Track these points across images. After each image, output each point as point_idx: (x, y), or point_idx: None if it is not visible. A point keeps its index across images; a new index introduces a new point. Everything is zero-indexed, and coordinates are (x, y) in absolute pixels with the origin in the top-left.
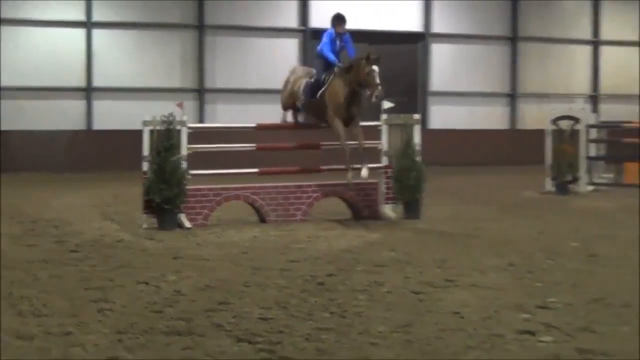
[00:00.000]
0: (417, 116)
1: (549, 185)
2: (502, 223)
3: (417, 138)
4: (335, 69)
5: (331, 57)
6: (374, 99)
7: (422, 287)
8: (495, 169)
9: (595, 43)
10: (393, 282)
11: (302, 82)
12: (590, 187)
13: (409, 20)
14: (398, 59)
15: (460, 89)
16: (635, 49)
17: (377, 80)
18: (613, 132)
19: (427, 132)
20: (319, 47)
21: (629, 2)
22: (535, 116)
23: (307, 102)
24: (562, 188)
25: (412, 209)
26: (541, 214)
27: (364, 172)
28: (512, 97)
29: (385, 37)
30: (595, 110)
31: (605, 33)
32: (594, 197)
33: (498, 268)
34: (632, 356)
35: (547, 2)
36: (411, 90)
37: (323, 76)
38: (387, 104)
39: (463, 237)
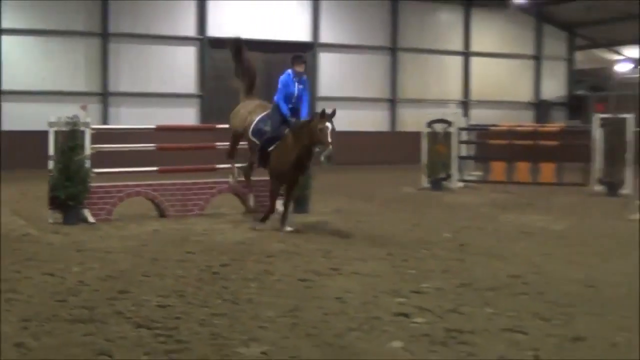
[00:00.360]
0: None
1: (424, 182)
2: (382, 216)
3: None
4: (287, 131)
5: (283, 108)
6: (322, 159)
7: (309, 275)
8: (377, 167)
9: (466, 54)
10: (282, 271)
11: (255, 118)
12: (461, 184)
13: (299, 31)
14: (289, 67)
15: (346, 95)
16: (500, 59)
17: (329, 139)
18: (481, 134)
19: None
20: (276, 97)
21: (496, 18)
22: (413, 120)
23: (260, 155)
24: (436, 184)
25: (301, 204)
26: (417, 208)
27: (288, 228)
28: (392, 102)
29: (278, 46)
30: (465, 114)
31: (475, 45)
32: (464, 193)
33: (377, 257)
34: (495, 335)
35: (424, 16)
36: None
37: (279, 133)
38: None
39: (347, 229)
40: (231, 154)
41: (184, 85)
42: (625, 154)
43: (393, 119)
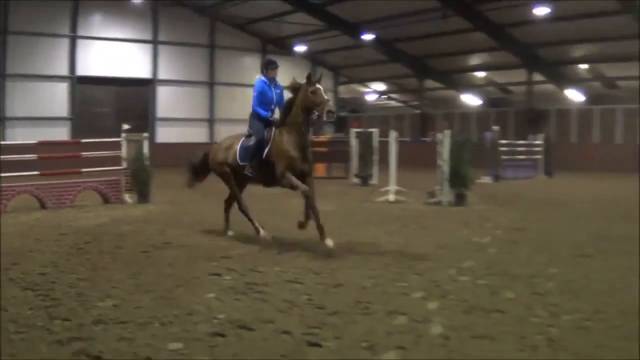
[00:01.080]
0: (146, 134)
1: None
2: (204, 204)
3: (146, 149)
4: (274, 130)
5: (262, 112)
6: (325, 117)
7: (149, 248)
8: None
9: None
10: (129, 246)
11: (237, 147)
12: None
13: (142, 70)
14: (135, 96)
15: (177, 116)
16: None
17: (325, 97)
18: None
19: (155, 145)
20: (252, 105)
21: (285, 62)
22: (227, 133)
23: (256, 165)
24: None
25: (143, 196)
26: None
27: (329, 242)
28: (211, 121)
29: (127, 82)
30: None
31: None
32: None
33: (199, 233)
34: (281, 285)
35: (235, 59)
36: (144, 117)
37: (265, 135)
38: (126, 126)
39: (177, 214)
40: (238, 202)
41: (59, 111)
42: (373, 157)
43: (212, 133)
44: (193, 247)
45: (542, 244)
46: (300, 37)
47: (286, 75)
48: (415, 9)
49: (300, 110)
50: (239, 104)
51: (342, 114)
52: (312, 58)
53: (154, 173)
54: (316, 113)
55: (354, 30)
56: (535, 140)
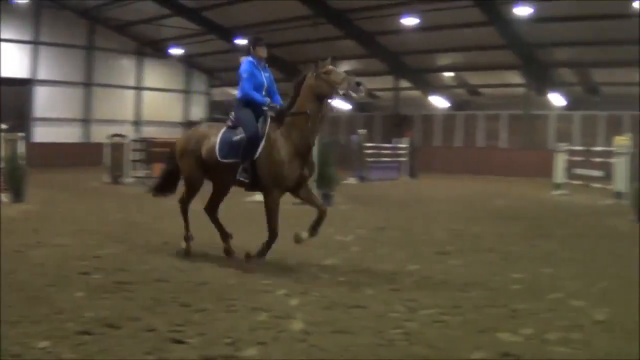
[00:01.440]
0: (21, 134)
1: (106, 178)
2: (76, 203)
3: (21, 149)
4: (269, 124)
5: (258, 97)
6: (354, 93)
7: (22, 247)
8: (75, 169)
9: (139, 89)
10: (2, 245)
11: (215, 140)
12: (132, 179)
13: (21, 70)
14: (14, 96)
15: (55, 116)
16: (162, 92)
17: (343, 74)
18: (148, 144)
19: (32, 145)
20: (239, 91)
21: (160, 64)
22: (101, 134)
23: (249, 167)
24: (116, 180)
25: (18, 195)
26: (100, 197)
27: (304, 234)
28: (87, 121)
29: (5, 81)
30: (138, 130)
31: (145, 82)
32: (133, 186)
33: (71, 233)
34: (148, 284)
35: (111, 62)
36: (22, 116)
37: (259, 128)
38: (3, 126)
39: (51, 213)
40: (187, 200)
41: None
42: None
43: (87, 133)
44: (65, 247)
45: (403, 242)
46: (177, 40)
47: (161, 77)
48: (287, 16)
49: (311, 99)
50: (116, 105)
51: (216, 116)
52: (187, 61)
53: (29, 172)
54: (341, 92)
55: (229, 34)
56: (400, 143)
